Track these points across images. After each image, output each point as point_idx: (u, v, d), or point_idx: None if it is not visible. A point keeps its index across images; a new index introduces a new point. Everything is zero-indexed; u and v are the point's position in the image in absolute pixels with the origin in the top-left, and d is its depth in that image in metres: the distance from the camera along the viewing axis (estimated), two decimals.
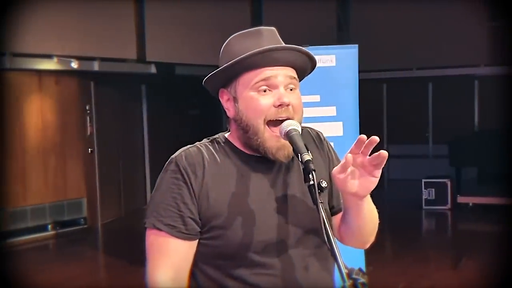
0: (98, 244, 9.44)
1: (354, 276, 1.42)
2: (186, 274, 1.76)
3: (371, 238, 1.91)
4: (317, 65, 4.24)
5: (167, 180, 1.76)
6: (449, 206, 10.09)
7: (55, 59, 8.63)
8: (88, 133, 9.93)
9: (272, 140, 1.71)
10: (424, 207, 10.16)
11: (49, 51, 8.50)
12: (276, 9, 10.26)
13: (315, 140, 1.92)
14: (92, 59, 9.10)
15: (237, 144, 1.81)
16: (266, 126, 1.72)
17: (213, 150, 1.80)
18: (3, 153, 8.67)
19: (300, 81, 1.81)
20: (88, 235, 9.45)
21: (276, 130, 1.71)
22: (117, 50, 9.06)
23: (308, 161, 1.58)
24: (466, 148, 10.07)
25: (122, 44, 9.08)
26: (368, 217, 1.79)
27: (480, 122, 12.48)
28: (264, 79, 1.72)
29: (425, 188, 10.13)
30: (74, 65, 8.67)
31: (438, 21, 10.28)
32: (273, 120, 1.71)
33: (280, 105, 1.71)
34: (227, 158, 1.79)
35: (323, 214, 1.54)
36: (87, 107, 9.94)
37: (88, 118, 9.96)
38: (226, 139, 1.84)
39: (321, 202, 1.56)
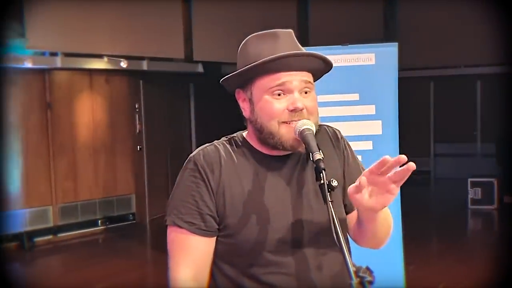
0: (146, 239, 9.62)
1: (361, 274, 1.45)
2: (206, 271, 1.80)
3: (385, 240, 1.90)
4: (357, 63, 4.31)
5: (186, 178, 1.80)
6: (495, 206, 9.90)
7: (105, 59, 8.85)
8: (137, 131, 10.13)
9: (289, 133, 1.73)
10: (470, 206, 10.02)
11: (99, 51, 8.72)
12: (322, 7, 10.28)
13: (332, 138, 1.93)
14: (141, 58, 9.31)
15: (254, 143, 1.84)
16: (281, 124, 1.74)
17: (230, 149, 1.84)
18: (56, 150, 8.95)
19: (316, 80, 1.84)
20: (136, 230, 9.64)
21: (290, 127, 1.73)
22: (165, 49, 9.24)
23: (318, 160, 1.59)
24: None
25: (170, 44, 9.24)
26: (382, 223, 1.79)
27: None
28: (279, 84, 1.74)
29: (471, 187, 9.97)
30: (124, 64, 8.86)
31: (486, 18, 10.12)
32: (286, 122, 1.74)
33: (293, 109, 1.73)
34: (243, 157, 1.82)
35: (332, 212, 1.55)
36: (136, 106, 10.13)
37: (137, 116, 10.16)
38: (243, 138, 1.88)
39: (331, 201, 1.56)
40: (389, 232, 1.89)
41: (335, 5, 10.18)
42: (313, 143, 1.65)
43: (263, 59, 1.72)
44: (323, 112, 4.07)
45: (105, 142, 9.68)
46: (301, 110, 1.74)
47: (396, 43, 4.36)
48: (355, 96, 4.29)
